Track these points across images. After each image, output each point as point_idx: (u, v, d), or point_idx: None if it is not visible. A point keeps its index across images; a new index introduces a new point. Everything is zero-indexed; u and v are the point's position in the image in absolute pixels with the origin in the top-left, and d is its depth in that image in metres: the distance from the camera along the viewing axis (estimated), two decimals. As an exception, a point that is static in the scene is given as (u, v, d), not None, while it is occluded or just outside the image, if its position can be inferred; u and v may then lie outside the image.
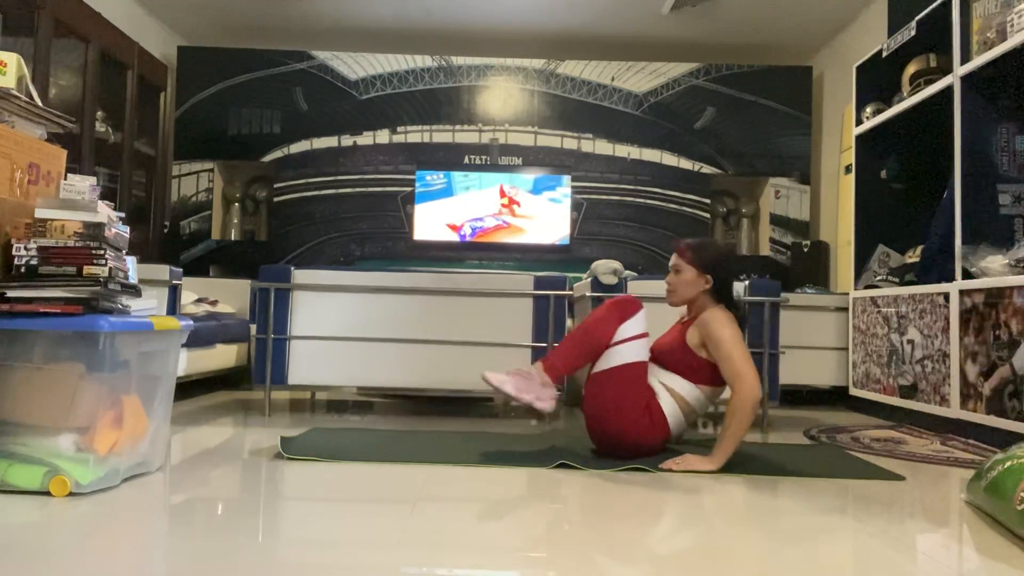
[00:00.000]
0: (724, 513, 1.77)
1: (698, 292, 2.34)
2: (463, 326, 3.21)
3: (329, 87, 5.46)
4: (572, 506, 1.78)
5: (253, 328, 3.76)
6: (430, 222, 5.37)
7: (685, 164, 5.49)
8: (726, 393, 2.26)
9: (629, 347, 2.25)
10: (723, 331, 2.21)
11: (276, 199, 5.44)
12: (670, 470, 2.10)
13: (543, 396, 2.21)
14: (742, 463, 2.17)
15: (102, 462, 1.70)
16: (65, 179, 1.93)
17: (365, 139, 5.46)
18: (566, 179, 5.37)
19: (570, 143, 5.50)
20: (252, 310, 4.22)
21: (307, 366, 3.17)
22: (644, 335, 2.29)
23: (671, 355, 2.33)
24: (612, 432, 2.26)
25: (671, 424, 2.28)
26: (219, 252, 5.37)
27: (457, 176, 5.38)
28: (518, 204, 5.37)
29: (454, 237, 5.37)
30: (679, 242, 2.40)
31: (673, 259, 2.38)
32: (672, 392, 2.30)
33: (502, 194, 5.37)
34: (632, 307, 2.29)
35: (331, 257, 5.39)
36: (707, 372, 2.28)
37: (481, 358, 3.19)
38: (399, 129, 5.47)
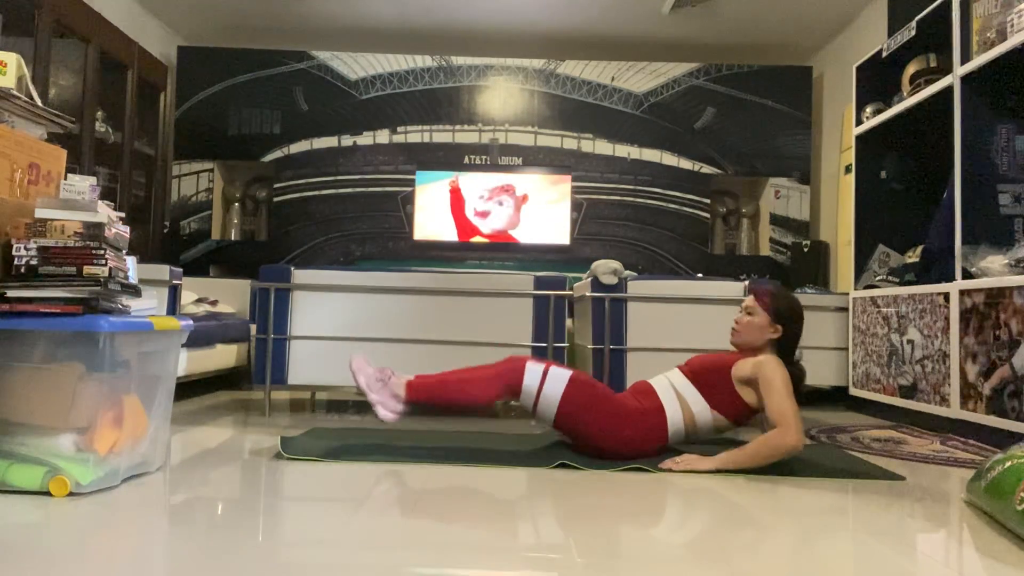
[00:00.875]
0: (724, 513, 1.76)
1: (765, 339, 2.30)
2: (463, 326, 3.20)
3: (329, 87, 5.45)
4: (572, 506, 1.78)
5: (253, 328, 3.76)
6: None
7: (685, 164, 5.48)
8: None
9: (550, 386, 2.25)
10: (779, 377, 2.17)
11: (276, 199, 5.44)
12: (670, 470, 2.11)
13: (388, 405, 2.23)
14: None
15: (102, 462, 1.70)
16: (65, 179, 1.93)
17: (365, 139, 5.46)
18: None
19: (570, 143, 5.49)
20: (252, 310, 4.22)
21: (307, 366, 3.17)
22: (548, 365, 2.30)
23: (706, 373, 2.31)
24: (612, 449, 2.25)
25: (669, 426, 2.28)
26: (219, 252, 5.37)
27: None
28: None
29: (454, 234, 5.37)
30: (758, 286, 2.38)
31: (748, 301, 2.35)
32: (682, 401, 2.28)
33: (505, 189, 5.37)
34: (516, 375, 2.26)
35: (331, 257, 5.39)
36: (732, 406, 2.27)
37: (481, 358, 3.18)
38: (399, 129, 5.47)
